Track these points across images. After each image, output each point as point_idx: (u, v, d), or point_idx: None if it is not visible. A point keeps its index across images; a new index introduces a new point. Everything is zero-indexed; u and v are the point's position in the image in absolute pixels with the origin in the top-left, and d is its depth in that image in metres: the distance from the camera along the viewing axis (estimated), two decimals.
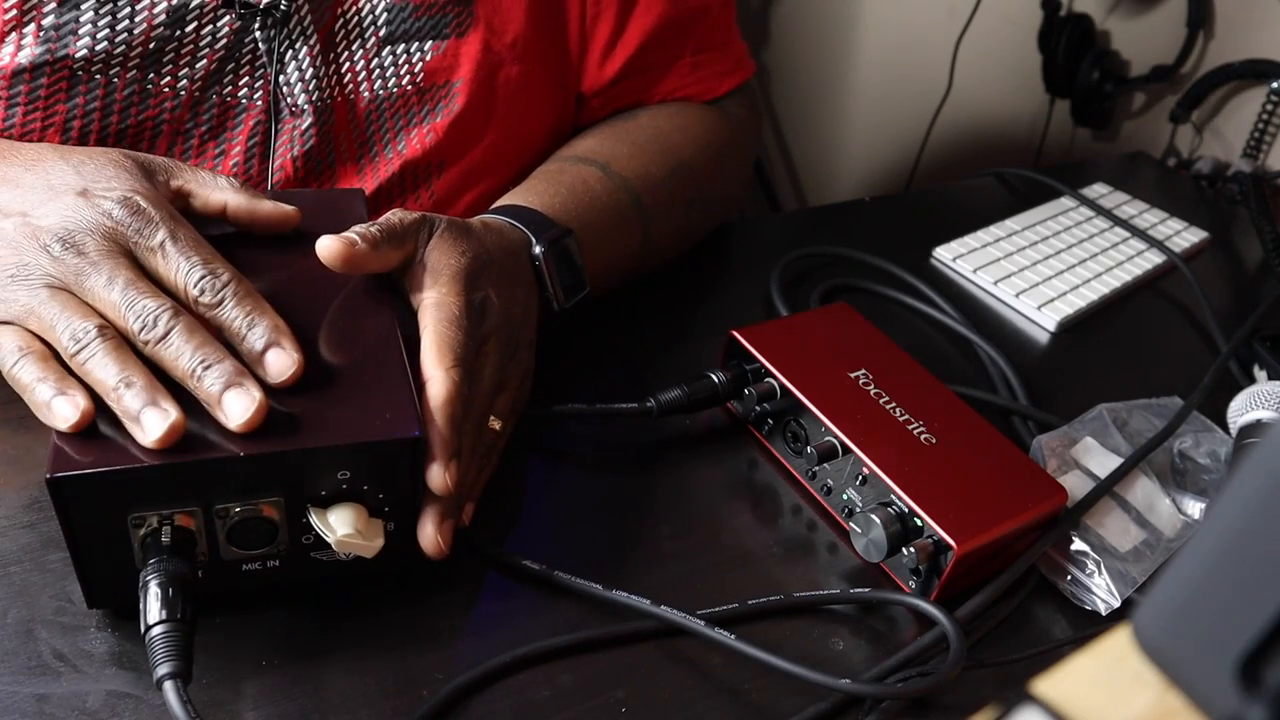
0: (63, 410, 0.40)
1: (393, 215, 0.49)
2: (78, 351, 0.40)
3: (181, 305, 0.42)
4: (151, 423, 0.39)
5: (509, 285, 0.53)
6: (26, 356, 0.41)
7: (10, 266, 0.42)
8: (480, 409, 0.49)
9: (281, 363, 0.42)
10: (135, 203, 0.44)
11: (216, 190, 0.49)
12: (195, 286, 0.43)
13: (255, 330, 0.43)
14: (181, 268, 0.43)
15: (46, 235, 0.42)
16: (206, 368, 0.41)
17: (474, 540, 0.50)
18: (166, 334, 0.41)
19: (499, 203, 0.61)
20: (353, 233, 0.47)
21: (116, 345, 0.41)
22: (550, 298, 0.58)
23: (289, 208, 0.50)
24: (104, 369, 0.40)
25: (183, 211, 0.47)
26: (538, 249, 0.57)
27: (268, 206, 0.49)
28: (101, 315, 0.42)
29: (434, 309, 0.48)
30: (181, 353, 0.41)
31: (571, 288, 0.59)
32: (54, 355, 0.42)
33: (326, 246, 0.46)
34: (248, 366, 0.42)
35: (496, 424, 0.50)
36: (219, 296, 0.43)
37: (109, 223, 0.43)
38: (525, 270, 0.56)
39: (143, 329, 0.41)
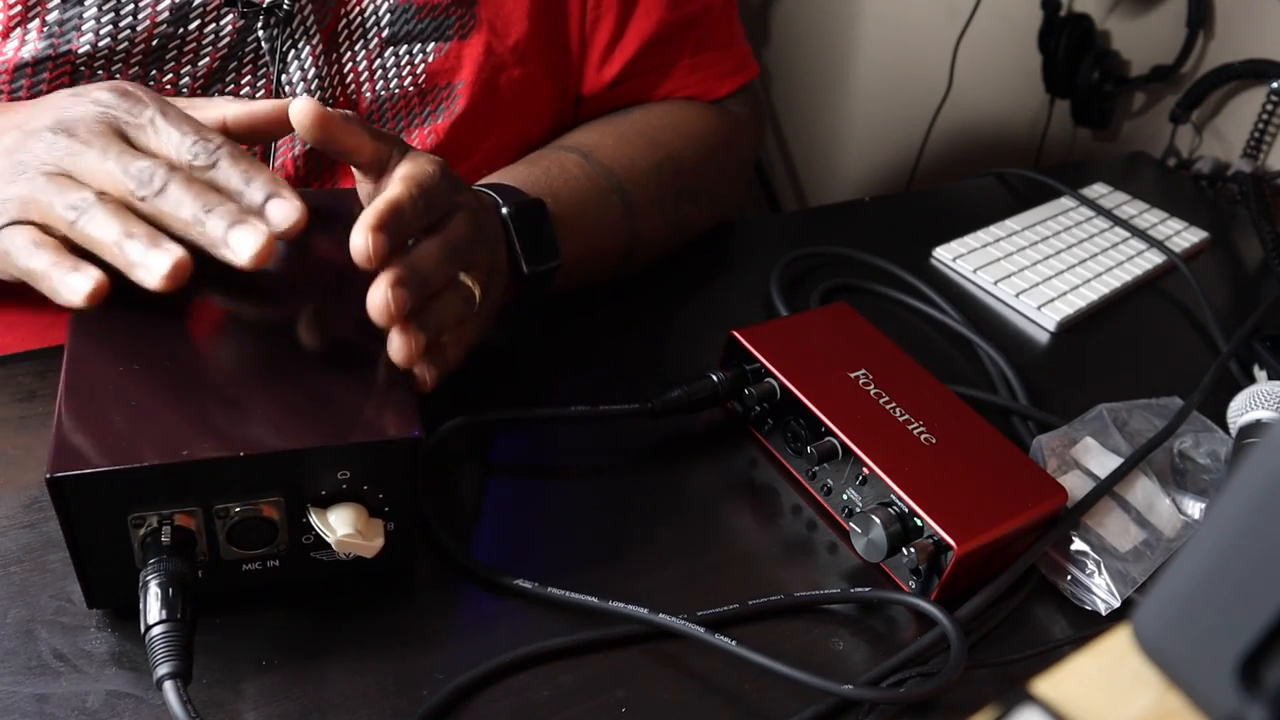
0: (78, 283, 0.40)
1: None
2: (77, 219, 0.41)
3: None
4: (157, 261, 0.39)
5: (481, 206, 0.53)
6: (40, 247, 0.41)
7: (8, 169, 0.43)
8: (452, 248, 0.48)
9: (284, 210, 0.42)
10: (123, 87, 0.45)
11: (212, 108, 0.49)
12: (189, 151, 0.43)
13: (254, 184, 0.42)
14: (173, 138, 0.43)
15: (39, 131, 0.43)
16: (208, 211, 0.41)
17: (455, 556, 0.50)
18: (164, 186, 0.41)
19: (474, 184, 0.61)
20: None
21: (116, 207, 0.41)
22: (518, 258, 0.57)
23: (284, 101, 0.49)
24: (105, 228, 0.40)
25: None
26: (505, 209, 0.57)
27: (266, 106, 0.49)
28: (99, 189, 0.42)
29: (406, 164, 0.48)
30: (181, 202, 0.41)
31: (541, 255, 0.59)
32: (70, 246, 0.42)
33: (299, 105, 0.45)
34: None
35: (468, 280, 0.49)
36: (214, 158, 0.43)
37: (98, 109, 0.44)
38: (495, 225, 0.56)
39: (139, 185, 0.41)
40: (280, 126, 0.50)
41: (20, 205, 0.42)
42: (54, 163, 0.42)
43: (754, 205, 1.71)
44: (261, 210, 0.42)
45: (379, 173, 0.50)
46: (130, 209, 0.41)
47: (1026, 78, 1.34)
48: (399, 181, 0.46)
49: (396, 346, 0.44)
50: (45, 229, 0.42)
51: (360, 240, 0.42)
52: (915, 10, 1.49)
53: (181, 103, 0.49)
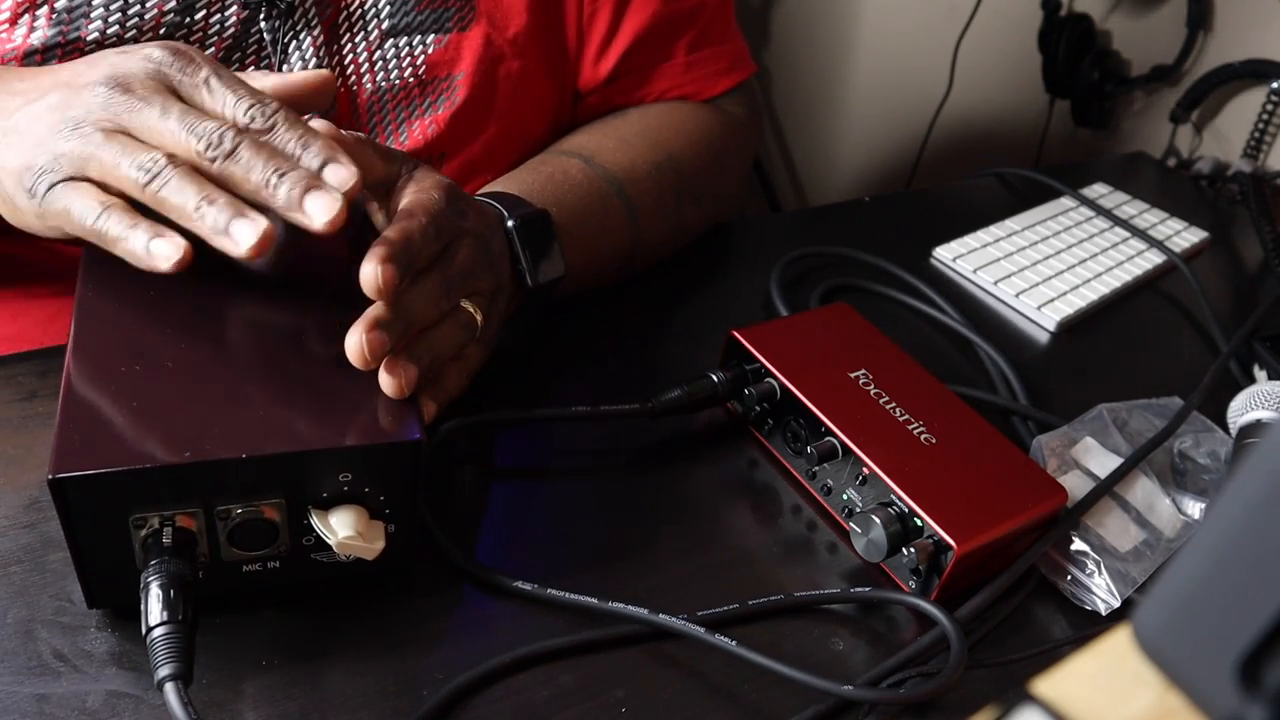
0: (164, 250, 0.40)
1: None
2: (149, 181, 0.40)
3: None
4: (243, 232, 0.39)
5: (487, 228, 0.53)
6: (109, 209, 0.41)
7: (59, 123, 0.42)
8: (453, 275, 0.48)
9: (341, 174, 0.42)
10: (175, 46, 0.44)
11: (250, 81, 0.48)
12: (245, 115, 0.43)
13: (310, 150, 0.42)
14: (229, 100, 0.43)
15: (92, 85, 0.42)
16: (281, 175, 0.41)
17: (455, 557, 0.50)
18: (234, 149, 0.41)
19: (479, 191, 0.61)
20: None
21: (188, 169, 0.41)
22: (524, 271, 0.57)
23: (324, 72, 0.49)
24: (181, 193, 0.40)
25: None
26: (510, 222, 0.57)
27: (298, 79, 0.49)
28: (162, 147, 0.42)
29: (414, 192, 0.48)
30: (253, 166, 0.41)
31: (546, 266, 0.59)
32: (134, 204, 0.42)
33: (315, 127, 0.45)
34: None
35: (470, 307, 0.49)
36: (270, 122, 0.43)
37: (151, 65, 0.43)
38: (500, 241, 0.56)
39: (208, 148, 0.41)
40: (318, 97, 0.49)
41: (76, 162, 0.42)
42: (111, 119, 0.42)
43: (754, 205, 1.71)
44: (318, 175, 0.42)
45: (386, 191, 0.50)
46: (199, 171, 0.41)
47: (1026, 78, 1.34)
48: (411, 211, 0.46)
49: (385, 383, 0.43)
50: (103, 186, 0.42)
51: (370, 272, 0.42)
52: (915, 10, 1.49)
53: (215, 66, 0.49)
